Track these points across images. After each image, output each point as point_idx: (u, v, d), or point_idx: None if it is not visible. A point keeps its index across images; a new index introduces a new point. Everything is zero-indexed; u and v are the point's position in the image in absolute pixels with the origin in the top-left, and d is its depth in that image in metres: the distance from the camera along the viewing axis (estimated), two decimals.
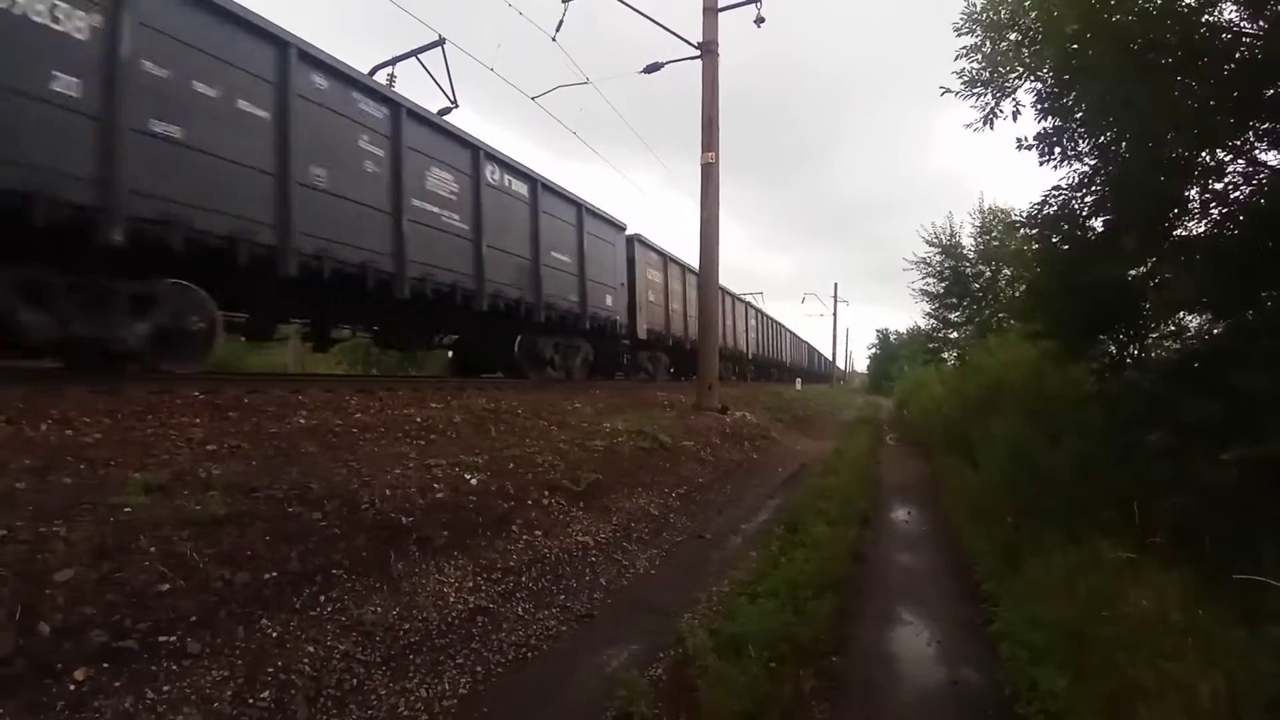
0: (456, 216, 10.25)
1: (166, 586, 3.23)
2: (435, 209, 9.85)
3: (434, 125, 10.02)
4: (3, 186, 5.27)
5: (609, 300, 15.09)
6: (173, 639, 3.04)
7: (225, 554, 3.62)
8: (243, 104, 7.14)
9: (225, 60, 6.95)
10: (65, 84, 5.66)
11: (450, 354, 14.07)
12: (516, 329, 12.58)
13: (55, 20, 5.63)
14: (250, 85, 7.22)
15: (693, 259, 14.14)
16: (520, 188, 11.99)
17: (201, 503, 3.85)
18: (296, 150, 7.65)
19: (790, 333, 45.74)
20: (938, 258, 20.58)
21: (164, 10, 6.40)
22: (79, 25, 5.78)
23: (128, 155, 6.05)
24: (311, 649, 3.42)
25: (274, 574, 3.71)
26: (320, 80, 8.14)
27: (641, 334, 17.20)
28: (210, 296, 7.15)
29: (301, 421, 6.08)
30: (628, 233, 16.45)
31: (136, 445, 4.65)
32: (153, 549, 3.38)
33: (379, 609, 3.91)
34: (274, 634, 3.40)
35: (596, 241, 14.59)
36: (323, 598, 3.80)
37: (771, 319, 38.77)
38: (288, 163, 7.56)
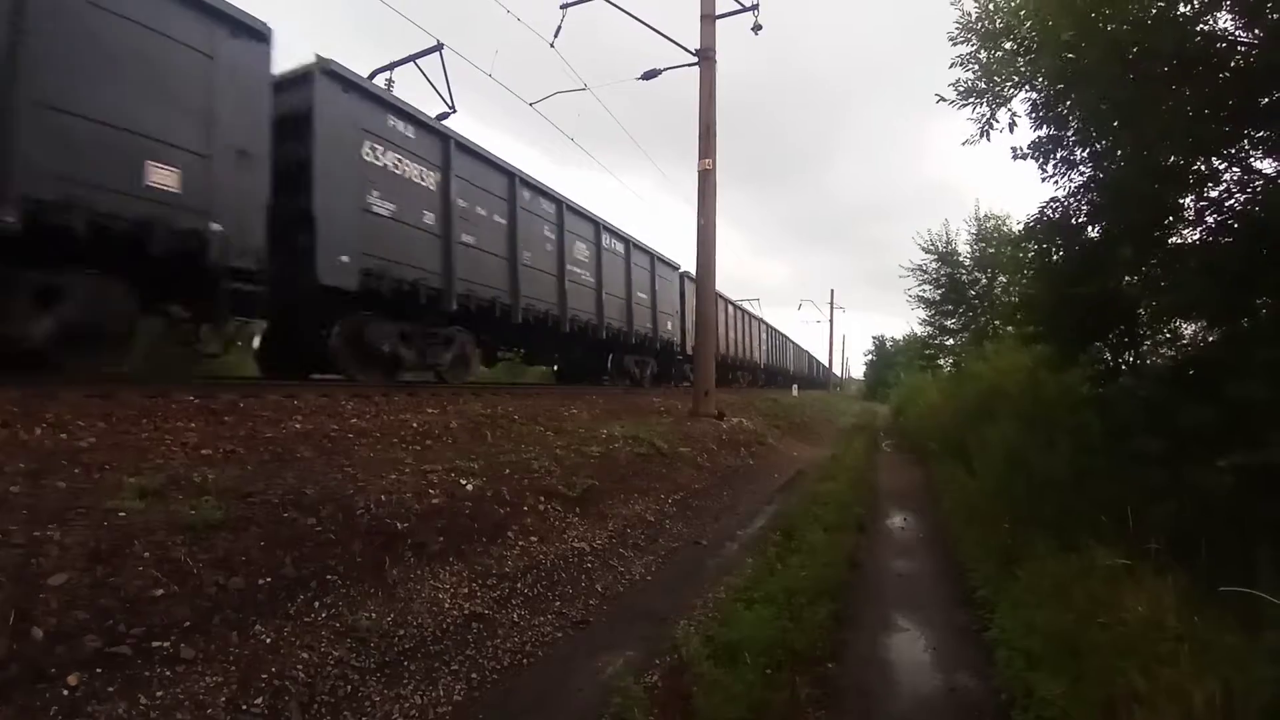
0: (588, 274, 14.74)
1: (160, 592, 3.22)
2: (578, 270, 14.31)
3: (578, 211, 14.35)
4: (408, 279, 9.43)
5: (669, 325, 19.68)
6: (166, 644, 3.02)
7: (219, 559, 3.61)
8: (496, 218, 11.54)
9: (487, 190, 11.35)
10: (429, 218, 9.92)
11: (556, 367, 17.39)
12: (612, 350, 16.79)
13: (423, 180, 9.87)
14: (498, 204, 11.61)
15: (735, 294, 16.49)
16: (619, 246, 16.47)
17: (196, 508, 3.84)
18: (519, 242, 12.03)
19: (793, 343, 49.09)
20: (934, 265, 20.66)
21: (464, 164, 10.71)
22: (431, 181, 10.02)
23: (456, 258, 10.33)
24: (305, 655, 3.40)
25: (268, 579, 3.70)
26: (527, 194, 12.49)
27: (689, 350, 20.63)
28: (473, 337, 11.51)
29: (297, 426, 6.06)
30: (680, 270, 20.69)
31: (131, 449, 4.64)
32: (147, 554, 3.36)
33: (374, 615, 3.89)
34: (268, 640, 3.39)
35: (663, 281, 19.16)
36: (317, 604, 3.78)
37: (779, 332, 42.36)
38: (515, 251, 11.94)
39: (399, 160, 9.33)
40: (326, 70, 8.27)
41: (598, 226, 15.10)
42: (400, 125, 9.45)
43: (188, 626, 3.16)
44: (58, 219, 5.63)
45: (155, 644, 3.00)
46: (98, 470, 4.20)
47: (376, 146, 8.95)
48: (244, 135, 7.09)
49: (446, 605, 4.29)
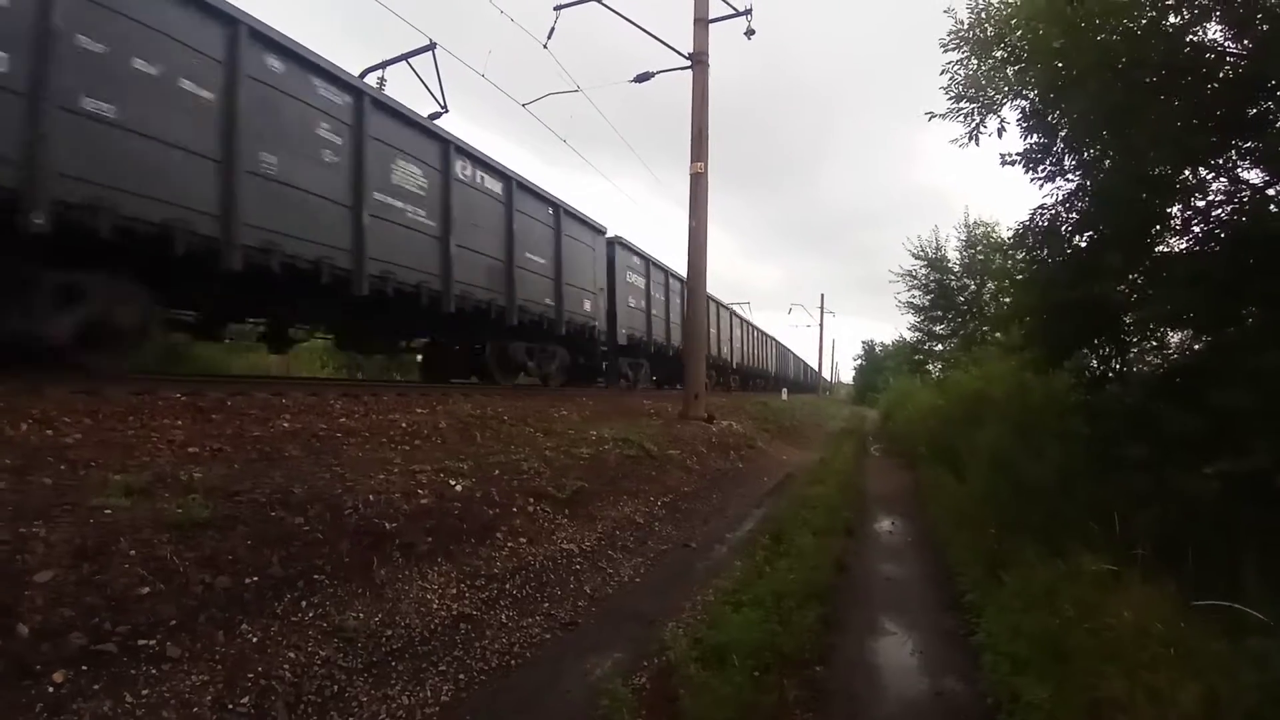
0: (676, 315, 20.34)
1: (146, 590, 3.19)
2: (673, 315, 20.10)
3: (674, 274, 19.99)
4: (637, 337, 17.66)
5: (724, 349, 27.54)
6: (152, 643, 3.00)
7: (206, 558, 3.58)
8: (659, 295, 19.33)
9: (656, 281, 19.14)
10: (642, 304, 18.19)
11: (654, 377, 21.96)
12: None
13: (639, 284, 18.07)
14: (660, 288, 19.35)
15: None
16: (724, 310, 26.14)
17: (183, 506, 3.81)
18: (670, 309, 19.86)
19: (791, 352, 54.16)
20: (923, 270, 20.76)
21: (653, 271, 18.98)
22: (641, 284, 18.24)
23: (651, 323, 18.60)
24: (292, 655, 3.38)
25: (255, 578, 3.68)
26: (668, 277, 19.89)
27: (734, 364, 29.84)
28: (648, 364, 20.00)
29: (285, 425, 6.03)
30: (721, 303, 28.00)
31: (117, 447, 4.60)
32: (133, 552, 3.34)
33: (361, 615, 3.88)
34: (254, 639, 3.36)
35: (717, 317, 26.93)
36: (304, 603, 3.76)
37: (781, 344, 49.10)
38: (668, 313, 19.75)
39: (635, 275, 17.66)
40: (617, 240, 16.59)
41: (682, 282, 20.34)
42: (635, 258, 17.66)
43: (174, 625, 3.14)
44: (569, 330, 13.50)
45: (141, 642, 2.97)
46: (84, 467, 4.17)
47: (629, 270, 17.26)
48: (602, 279, 15.27)
49: (434, 606, 4.28)
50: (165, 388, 6.05)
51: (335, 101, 8.02)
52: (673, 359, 19.93)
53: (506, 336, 12.11)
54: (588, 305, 14.29)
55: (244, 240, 6.80)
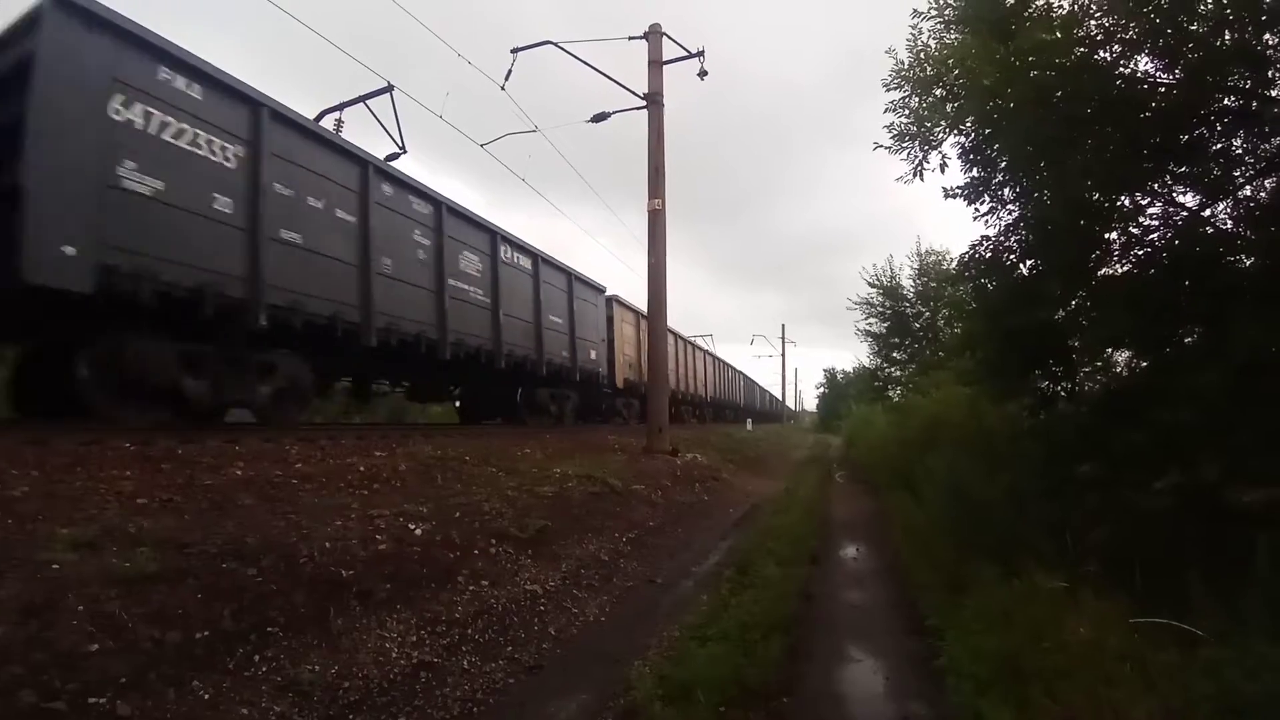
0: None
1: (95, 646, 3.10)
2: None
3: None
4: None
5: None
6: (102, 701, 2.90)
7: (155, 613, 3.48)
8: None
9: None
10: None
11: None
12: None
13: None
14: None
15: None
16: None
17: (131, 559, 3.71)
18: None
19: (760, 386, 59.50)
20: (879, 298, 21.18)
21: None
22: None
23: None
24: (245, 711, 3.28)
25: (206, 633, 3.57)
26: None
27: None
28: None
29: (238, 472, 5.90)
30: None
31: (64, 499, 4.47)
32: (80, 608, 3.24)
33: (317, 667, 3.78)
34: (206, 696, 3.26)
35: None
36: (257, 657, 3.66)
37: (759, 385, 56.94)
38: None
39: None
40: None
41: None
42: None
43: (123, 683, 3.04)
44: None
45: (91, 700, 2.88)
46: (31, 520, 4.04)
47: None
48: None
49: (394, 655, 4.18)
50: (113, 437, 5.90)
51: None
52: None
53: None
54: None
55: None
